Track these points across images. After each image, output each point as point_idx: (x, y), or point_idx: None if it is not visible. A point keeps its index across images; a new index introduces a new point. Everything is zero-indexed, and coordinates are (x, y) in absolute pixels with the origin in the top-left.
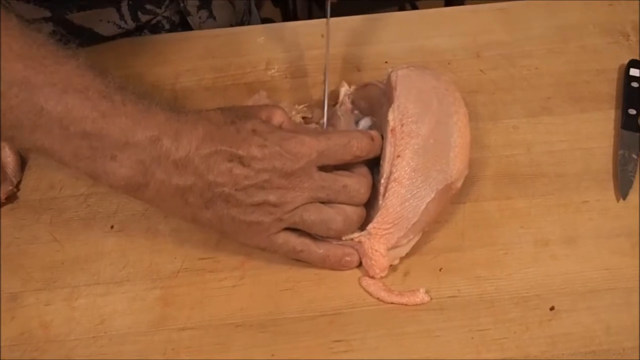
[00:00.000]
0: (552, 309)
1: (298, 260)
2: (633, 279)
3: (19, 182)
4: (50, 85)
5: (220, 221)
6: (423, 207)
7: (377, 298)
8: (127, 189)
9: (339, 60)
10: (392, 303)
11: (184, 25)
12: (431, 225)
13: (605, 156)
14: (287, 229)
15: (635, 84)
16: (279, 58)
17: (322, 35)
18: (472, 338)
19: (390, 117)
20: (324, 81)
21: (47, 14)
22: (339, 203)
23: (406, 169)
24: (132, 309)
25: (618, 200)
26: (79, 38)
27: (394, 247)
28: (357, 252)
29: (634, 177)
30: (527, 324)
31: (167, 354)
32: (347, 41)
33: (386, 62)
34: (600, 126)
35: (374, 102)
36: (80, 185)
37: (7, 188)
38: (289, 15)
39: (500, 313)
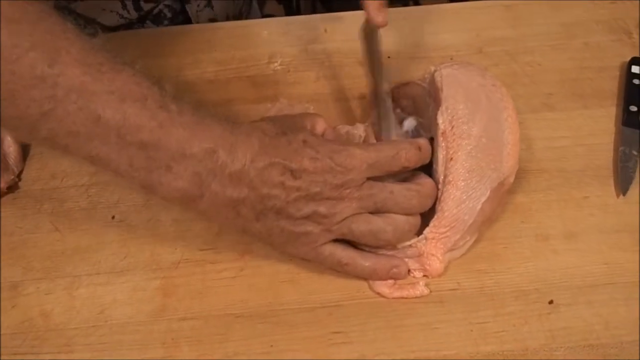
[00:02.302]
0: (551, 302)
1: (344, 272)
2: (632, 274)
3: (20, 172)
4: (108, 93)
5: (269, 233)
6: (479, 207)
7: (378, 293)
8: (182, 201)
9: (340, 54)
10: (392, 298)
11: (184, 13)
12: (487, 225)
13: (606, 152)
14: (335, 240)
15: (637, 81)
16: (282, 52)
17: (325, 30)
18: (472, 331)
19: (440, 120)
20: (373, 82)
21: (51, 2)
22: (388, 211)
23: (460, 171)
24: (132, 299)
25: (618, 196)
26: (82, 29)
27: (450, 250)
28: (405, 261)
29: (634, 173)
30: (527, 318)
31: (167, 344)
32: (350, 36)
33: (389, 57)
34: (601, 123)
35: (418, 102)
36: (82, 176)
37: (8, 178)
38: (292, 12)
39: (499, 306)
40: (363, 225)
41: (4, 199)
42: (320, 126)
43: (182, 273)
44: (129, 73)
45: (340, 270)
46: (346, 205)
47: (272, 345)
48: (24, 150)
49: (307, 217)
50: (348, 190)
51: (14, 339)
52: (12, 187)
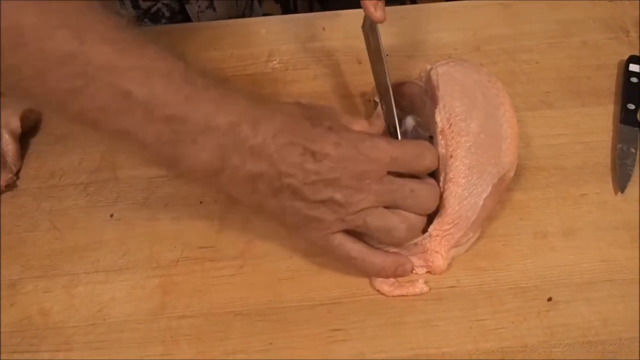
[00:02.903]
0: (550, 300)
1: (349, 266)
2: (631, 271)
3: (18, 170)
4: (135, 69)
5: (283, 212)
6: (481, 203)
7: (378, 290)
8: (205, 173)
9: (339, 52)
10: (392, 296)
11: (183, 12)
12: (487, 222)
13: (604, 150)
14: (346, 231)
15: (634, 80)
16: (280, 50)
17: (323, 28)
18: (471, 328)
19: (438, 118)
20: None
21: None
22: (405, 209)
23: (461, 168)
24: (131, 297)
25: (616, 193)
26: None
27: (454, 246)
28: (410, 259)
29: (632, 171)
30: (525, 315)
31: (166, 342)
32: (348, 34)
33: (387, 55)
34: (599, 121)
35: (415, 101)
36: (81, 174)
37: (7, 176)
38: (290, 11)
39: (498, 303)
40: (378, 220)
41: (2, 197)
42: (348, 120)
43: (181, 271)
44: (154, 49)
45: (347, 263)
46: (364, 197)
47: (271, 343)
48: (22, 148)
49: (323, 202)
50: (368, 181)
51: (13, 337)
52: (10, 186)
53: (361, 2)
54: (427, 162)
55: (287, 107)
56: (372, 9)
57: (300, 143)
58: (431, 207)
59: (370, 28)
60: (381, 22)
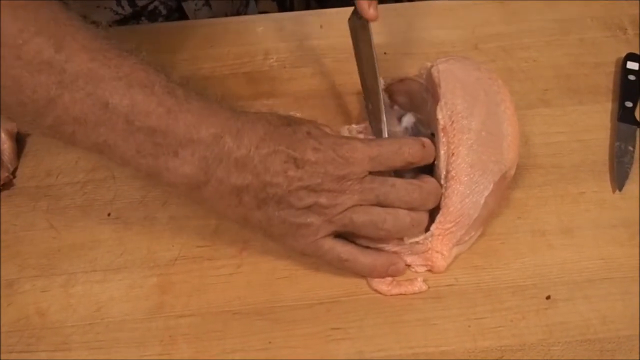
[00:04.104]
0: (548, 298)
1: (342, 269)
2: (629, 268)
3: (15, 169)
4: (116, 79)
5: (269, 223)
6: (482, 201)
7: (376, 290)
8: (187, 187)
9: (336, 50)
10: (391, 295)
11: (180, 10)
12: (490, 219)
13: (601, 148)
14: (336, 236)
15: (632, 77)
16: (277, 48)
17: (321, 26)
18: (469, 326)
19: (439, 115)
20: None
21: None
22: (390, 205)
23: (463, 165)
24: (129, 296)
25: (614, 191)
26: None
27: (455, 245)
28: (402, 258)
29: (630, 168)
30: (524, 313)
31: (165, 341)
32: (345, 32)
33: (385, 53)
34: (597, 118)
35: (415, 98)
36: (78, 173)
37: (3, 175)
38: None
39: (497, 302)
40: (363, 216)
41: None
42: (327, 130)
43: (179, 270)
44: (134, 60)
45: (339, 266)
46: (347, 197)
47: (270, 342)
48: (19, 147)
49: (308, 208)
50: (349, 183)
51: (10, 337)
52: (7, 185)
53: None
54: (405, 156)
55: (265, 116)
56: (365, 7)
57: (283, 150)
58: (415, 199)
59: (361, 26)
60: (374, 20)
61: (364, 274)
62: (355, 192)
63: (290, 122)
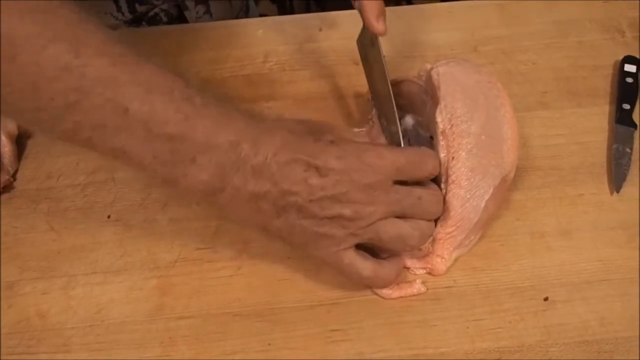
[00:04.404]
0: (546, 299)
1: (358, 283)
2: (627, 270)
3: (15, 172)
4: (135, 85)
5: (290, 231)
6: (483, 205)
7: (377, 294)
8: (204, 193)
9: (336, 53)
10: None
11: (181, 19)
12: (490, 222)
13: (600, 150)
14: (356, 246)
15: (630, 80)
16: (277, 51)
17: (320, 29)
18: (468, 328)
19: (439, 119)
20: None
21: None
22: (413, 216)
23: (462, 170)
24: (129, 298)
25: (612, 193)
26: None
27: (456, 249)
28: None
29: (627, 170)
30: (522, 314)
31: (165, 343)
32: (345, 35)
33: (384, 55)
34: (595, 121)
35: (415, 100)
36: (78, 175)
37: (3, 177)
38: (286, 12)
39: (495, 303)
40: (392, 230)
41: None
42: (349, 132)
43: (179, 272)
44: (152, 65)
45: (357, 281)
46: (374, 209)
47: (270, 344)
48: (19, 150)
49: (331, 219)
50: (377, 193)
51: (11, 339)
52: (7, 187)
53: (362, 14)
54: (429, 168)
55: (286, 123)
56: (374, 21)
57: (303, 159)
58: (437, 212)
59: (370, 42)
60: (383, 35)
61: (380, 287)
62: (382, 204)
63: (312, 129)
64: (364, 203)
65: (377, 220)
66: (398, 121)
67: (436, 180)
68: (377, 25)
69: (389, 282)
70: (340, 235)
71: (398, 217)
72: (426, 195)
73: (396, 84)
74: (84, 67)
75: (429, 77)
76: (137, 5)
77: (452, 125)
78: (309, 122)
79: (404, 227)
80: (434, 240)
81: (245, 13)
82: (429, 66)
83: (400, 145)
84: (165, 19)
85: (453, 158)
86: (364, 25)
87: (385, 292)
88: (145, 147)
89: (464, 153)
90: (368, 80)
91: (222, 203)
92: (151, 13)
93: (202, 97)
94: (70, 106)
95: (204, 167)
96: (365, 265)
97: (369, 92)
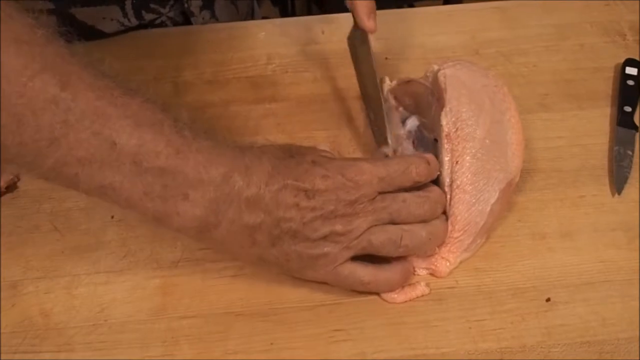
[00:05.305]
0: (548, 300)
1: (363, 291)
2: (628, 271)
3: (19, 172)
4: (123, 118)
5: (287, 258)
6: (488, 209)
7: (384, 299)
8: (198, 230)
9: (337, 55)
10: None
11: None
12: (495, 225)
13: (601, 152)
14: (353, 259)
15: (631, 82)
16: (279, 53)
17: (323, 32)
18: (470, 328)
19: (444, 122)
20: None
21: (51, 6)
22: (403, 221)
23: (467, 174)
24: (132, 298)
25: (613, 195)
26: (81, 34)
27: (462, 253)
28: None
29: (629, 172)
30: (524, 315)
31: (167, 342)
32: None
33: (386, 58)
34: (596, 123)
35: (421, 100)
36: None
37: (7, 177)
38: (288, 14)
39: (497, 304)
40: (382, 235)
41: (2, 198)
42: (324, 147)
43: (182, 272)
44: (141, 98)
45: (362, 289)
46: (362, 220)
47: (272, 344)
48: None
49: (325, 238)
50: (362, 205)
51: (14, 337)
52: (11, 187)
53: (353, 12)
54: (413, 175)
55: (268, 149)
56: (365, 18)
57: (292, 184)
58: (426, 211)
59: (360, 39)
60: (373, 32)
61: (386, 291)
62: (368, 214)
63: (292, 152)
64: (352, 215)
65: (366, 230)
66: (385, 119)
67: (439, 183)
68: (368, 23)
69: (395, 285)
70: (335, 252)
71: (390, 223)
72: (411, 198)
73: (403, 84)
74: (71, 100)
75: (435, 79)
76: (143, 13)
77: (457, 129)
78: (288, 145)
79: (394, 231)
80: (441, 244)
81: (251, 16)
82: (435, 67)
83: (387, 142)
84: (171, 26)
85: (457, 162)
86: (354, 24)
87: (390, 296)
88: (134, 183)
89: (468, 157)
90: (358, 78)
91: (218, 238)
92: (157, 21)
93: (191, 131)
94: (56, 140)
95: (197, 202)
96: (365, 272)
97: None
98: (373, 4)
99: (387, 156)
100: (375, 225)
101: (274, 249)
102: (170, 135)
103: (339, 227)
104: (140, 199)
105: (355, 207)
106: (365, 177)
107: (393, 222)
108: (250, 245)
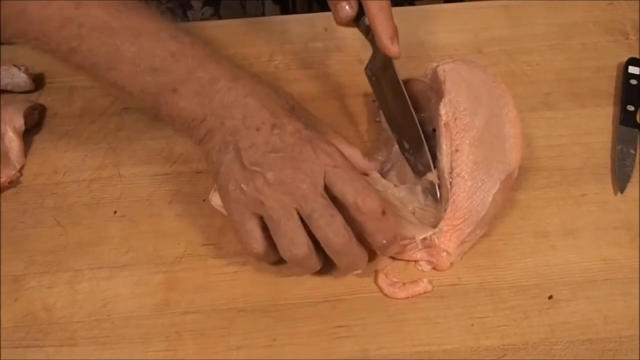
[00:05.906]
0: (550, 298)
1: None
2: (630, 269)
3: (22, 167)
4: (125, 29)
5: (218, 169)
6: (490, 199)
7: (384, 293)
8: (185, 121)
9: (340, 52)
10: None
11: (185, 20)
12: (494, 220)
13: (603, 151)
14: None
15: (633, 82)
16: (282, 50)
17: (325, 29)
18: (472, 325)
19: (443, 111)
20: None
21: None
22: (314, 229)
23: (467, 162)
24: (135, 293)
25: (616, 193)
26: None
27: (461, 242)
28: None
29: (631, 171)
30: (526, 312)
31: (170, 337)
32: (349, 34)
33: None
34: (599, 122)
35: (419, 97)
36: (84, 171)
37: (10, 172)
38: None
39: (499, 301)
40: (285, 223)
41: (5, 193)
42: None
43: (184, 267)
44: (145, 12)
45: (249, 254)
46: (290, 193)
47: (274, 339)
48: (26, 145)
49: (252, 173)
50: (305, 186)
51: (17, 332)
52: (14, 182)
53: (375, 36)
54: (361, 165)
55: (274, 89)
56: (388, 44)
57: (268, 115)
58: (333, 241)
59: (383, 66)
60: (398, 57)
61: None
62: (298, 192)
63: (293, 107)
64: (286, 182)
65: (285, 205)
66: (425, 147)
67: (439, 169)
68: (393, 48)
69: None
70: (250, 195)
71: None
72: (339, 219)
73: (403, 83)
74: (83, 16)
75: (434, 74)
76: None
77: (455, 119)
78: (296, 102)
79: (291, 226)
80: (441, 232)
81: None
82: (435, 64)
83: (430, 169)
84: (169, 16)
85: (457, 150)
86: (373, 52)
87: (391, 291)
88: (133, 81)
89: (467, 146)
90: (382, 106)
91: (201, 135)
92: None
93: (190, 38)
94: (73, 50)
95: (184, 96)
96: (260, 242)
97: (381, 115)
98: (395, 26)
99: (433, 184)
100: (292, 211)
101: (219, 153)
102: (167, 41)
103: (270, 176)
104: (138, 94)
105: (296, 176)
106: (329, 160)
107: (308, 222)
108: (209, 140)
